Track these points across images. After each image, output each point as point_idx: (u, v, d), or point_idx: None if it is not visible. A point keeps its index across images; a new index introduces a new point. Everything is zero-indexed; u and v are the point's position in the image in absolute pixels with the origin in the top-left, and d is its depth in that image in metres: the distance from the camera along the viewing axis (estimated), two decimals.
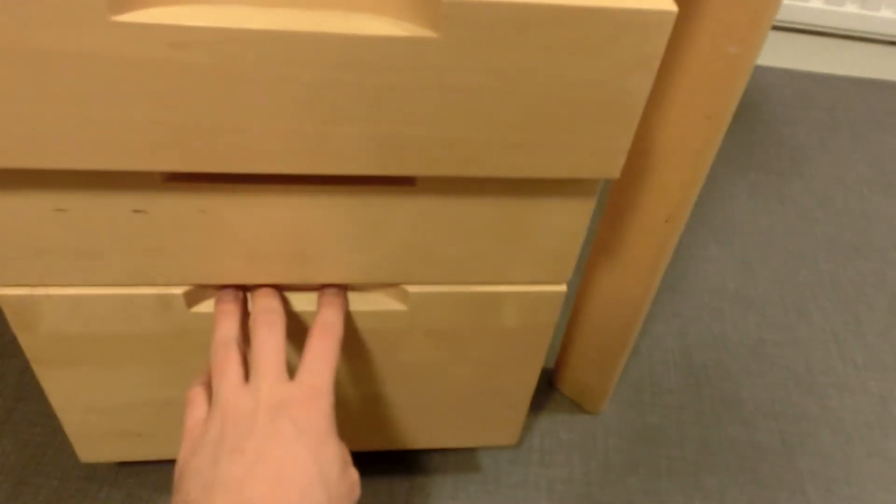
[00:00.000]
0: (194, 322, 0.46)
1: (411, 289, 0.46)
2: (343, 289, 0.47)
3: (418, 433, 0.59)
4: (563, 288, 0.48)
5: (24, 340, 0.45)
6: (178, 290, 0.44)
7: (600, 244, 0.59)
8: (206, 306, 0.46)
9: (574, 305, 0.67)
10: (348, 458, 0.42)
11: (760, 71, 1.28)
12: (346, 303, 0.47)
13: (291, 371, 0.41)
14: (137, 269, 0.44)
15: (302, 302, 0.47)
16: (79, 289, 0.43)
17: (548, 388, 0.75)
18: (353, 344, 0.49)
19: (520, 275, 0.47)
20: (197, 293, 0.45)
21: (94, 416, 0.52)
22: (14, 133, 0.35)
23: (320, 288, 0.47)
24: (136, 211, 0.41)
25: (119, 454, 0.56)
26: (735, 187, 1.03)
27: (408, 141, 0.37)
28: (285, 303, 0.46)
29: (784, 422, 0.74)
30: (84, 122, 0.35)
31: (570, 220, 0.44)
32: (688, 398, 0.75)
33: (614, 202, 0.55)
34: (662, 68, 0.46)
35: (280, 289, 0.46)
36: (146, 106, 0.34)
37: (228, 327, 0.43)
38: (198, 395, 0.43)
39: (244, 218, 0.42)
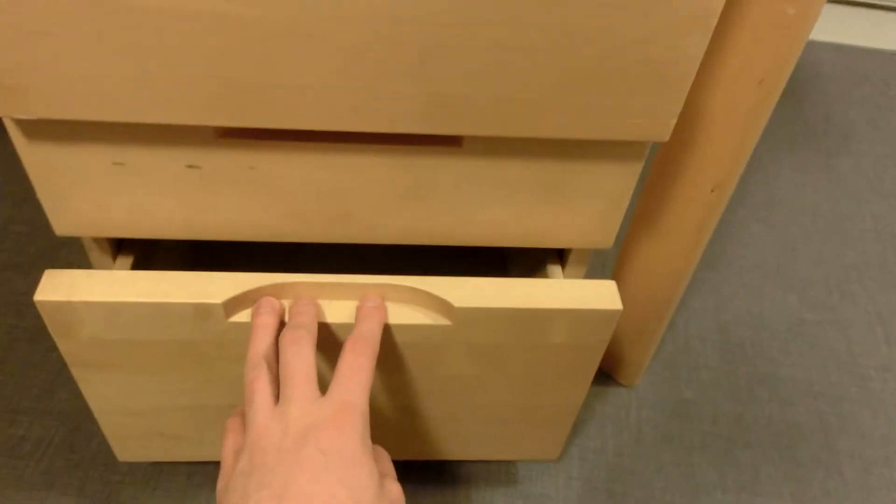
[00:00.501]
0: (233, 332, 0.45)
1: (456, 303, 0.44)
2: (382, 301, 0.45)
3: (453, 445, 0.56)
4: (617, 307, 0.45)
5: (62, 345, 0.45)
6: (218, 300, 0.43)
7: (641, 214, 0.58)
8: (245, 316, 0.44)
9: (612, 275, 0.66)
10: (389, 472, 0.41)
11: (811, 46, 1.25)
12: (384, 316, 0.44)
13: (325, 384, 0.40)
14: (190, 224, 0.45)
15: (339, 314, 0.45)
16: (117, 296, 0.43)
17: None
18: (390, 355, 0.47)
19: (562, 238, 0.47)
20: (236, 302, 0.44)
21: (131, 419, 0.51)
22: (75, 86, 0.36)
23: (359, 299, 0.46)
24: (189, 166, 0.42)
25: (156, 455, 0.56)
26: (780, 165, 1.01)
27: (455, 99, 0.38)
28: (321, 315, 0.44)
29: (823, 402, 0.73)
30: (141, 75, 0.36)
31: (616, 183, 0.44)
32: (724, 375, 0.75)
33: (658, 170, 0.54)
34: (716, 29, 0.46)
35: (316, 296, 0.45)
36: (200, 60, 0.35)
37: (262, 344, 0.42)
38: (234, 424, 0.43)
39: (291, 175, 0.43)
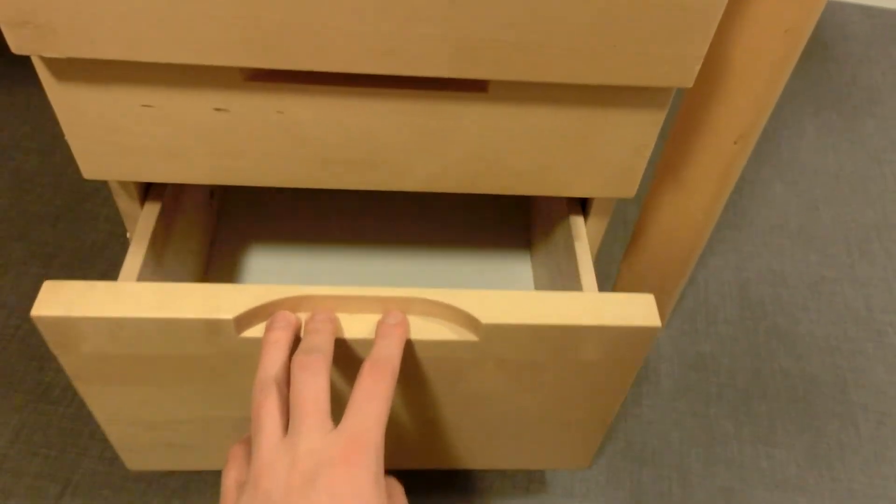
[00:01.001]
0: (244, 347, 0.42)
1: (484, 319, 0.41)
2: (404, 318, 0.42)
3: (479, 455, 0.55)
4: (655, 323, 0.42)
5: (63, 359, 0.43)
6: (229, 316, 0.40)
7: (664, 166, 0.58)
8: (258, 331, 0.42)
9: (634, 229, 0.67)
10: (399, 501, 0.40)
11: (838, 6, 1.22)
12: (406, 333, 0.42)
13: (341, 403, 0.39)
14: (217, 169, 0.46)
15: (359, 328, 0.42)
16: (121, 311, 0.40)
17: None
18: (413, 369, 0.45)
19: (585, 187, 0.48)
20: (248, 317, 0.41)
21: (139, 430, 0.50)
22: (104, 25, 0.36)
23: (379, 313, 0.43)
24: (217, 109, 0.42)
25: (167, 464, 0.54)
26: (804, 126, 1.00)
27: (483, 43, 0.38)
28: (339, 330, 0.42)
29: (839, 357, 0.73)
30: (170, 14, 0.36)
31: (640, 131, 0.44)
32: (742, 330, 0.75)
33: (682, 121, 0.54)
34: None
35: (335, 309, 0.43)
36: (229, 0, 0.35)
37: (273, 363, 0.39)
38: (237, 453, 0.41)
39: (318, 120, 0.43)
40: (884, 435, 0.68)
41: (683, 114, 0.54)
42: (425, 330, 0.42)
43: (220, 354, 0.43)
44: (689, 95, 0.53)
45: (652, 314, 0.42)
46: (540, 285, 0.64)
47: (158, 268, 0.52)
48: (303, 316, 0.42)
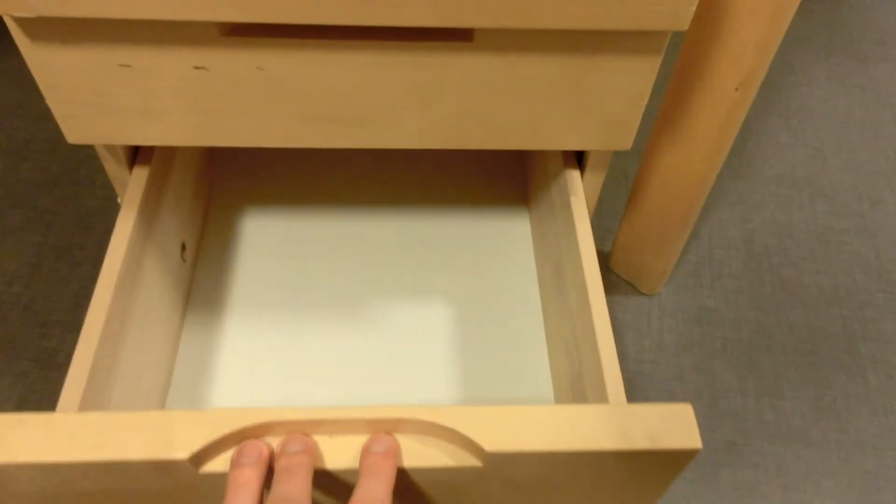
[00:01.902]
0: (206, 482, 0.36)
1: (488, 446, 0.35)
2: (393, 443, 0.36)
3: None
4: (695, 445, 0.35)
5: None
6: (183, 455, 0.34)
7: (664, 117, 0.57)
8: (221, 463, 0.35)
9: (634, 183, 0.65)
10: None
11: None
12: (395, 466, 0.35)
13: None
14: (200, 130, 0.45)
15: (340, 455, 0.36)
16: (55, 455, 0.34)
17: (604, 271, 0.75)
18: (404, 490, 0.38)
19: (580, 140, 0.46)
20: (207, 453, 0.35)
21: None
22: None
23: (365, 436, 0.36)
24: (196, 67, 0.41)
25: None
26: (813, 72, 0.97)
27: None
28: (318, 461, 0.36)
29: (847, 308, 0.72)
30: None
31: (635, 79, 0.42)
32: (747, 283, 0.74)
33: (680, 70, 0.53)
34: None
35: (312, 432, 0.36)
36: None
37: None
38: None
39: (300, 76, 0.42)
40: (892, 387, 0.67)
41: (682, 60, 0.52)
42: (419, 455, 0.36)
43: (178, 489, 0.37)
44: (687, 40, 0.51)
45: (691, 432, 0.35)
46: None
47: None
48: (275, 440, 0.36)
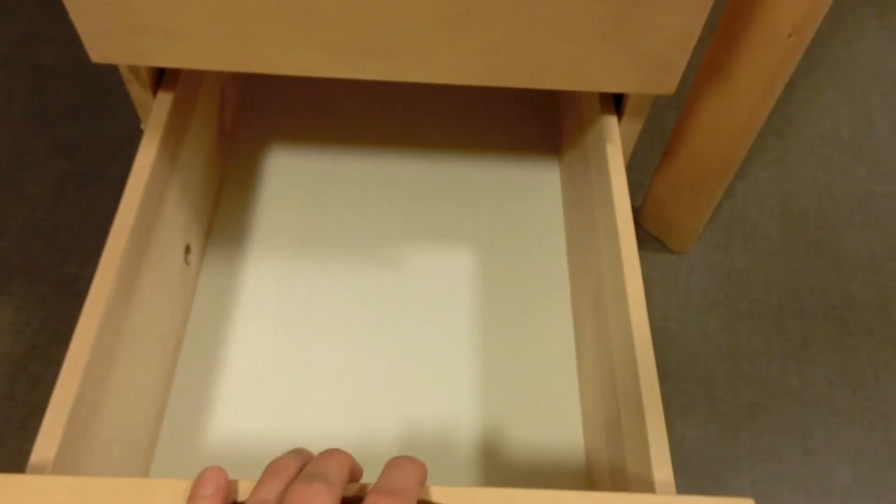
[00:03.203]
0: None
1: None
2: (419, 462, 0.31)
3: None
4: None
5: None
6: None
7: (710, 61, 0.54)
8: None
9: (672, 134, 0.63)
10: None
11: None
12: (424, 471, 0.31)
13: None
14: (226, 53, 0.43)
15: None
16: None
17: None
18: None
19: (621, 81, 0.44)
20: None
21: None
22: None
23: None
24: None
25: None
26: (864, 27, 0.92)
27: None
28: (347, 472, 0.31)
29: (883, 275, 0.70)
30: None
31: (684, 16, 0.40)
32: (781, 244, 0.72)
33: (731, 12, 0.50)
34: None
35: None
36: None
37: None
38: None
39: (332, 1, 0.40)
40: None
41: (732, 3, 0.50)
42: None
43: None
44: None
45: None
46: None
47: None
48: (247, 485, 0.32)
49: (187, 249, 0.54)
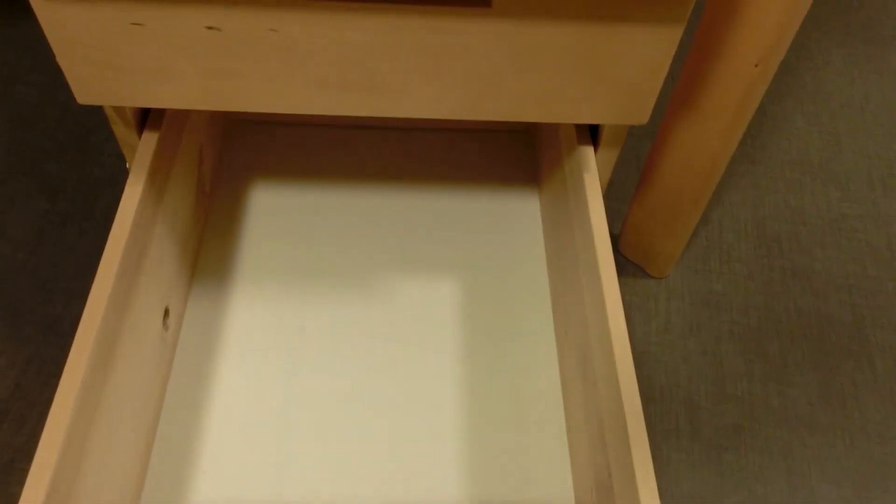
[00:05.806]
0: None
1: None
2: None
3: None
4: None
5: None
6: None
7: (681, 91, 0.56)
8: None
9: (646, 162, 0.64)
10: None
11: None
12: None
13: None
14: (211, 93, 0.44)
15: None
16: None
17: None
18: None
19: (596, 112, 0.46)
20: None
21: None
22: None
23: None
24: (209, 27, 0.40)
25: None
26: (830, 56, 0.96)
27: None
28: None
29: (857, 295, 0.72)
30: None
31: (655, 49, 0.42)
32: (757, 268, 0.73)
33: (700, 44, 0.52)
34: None
35: None
36: None
37: None
38: None
39: (314, 38, 0.41)
40: None
41: (701, 36, 0.51)
42: None
43: None
44: (708, 13, 0.50)
45: None
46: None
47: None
48: None
49: (166, 313, 0.54)
